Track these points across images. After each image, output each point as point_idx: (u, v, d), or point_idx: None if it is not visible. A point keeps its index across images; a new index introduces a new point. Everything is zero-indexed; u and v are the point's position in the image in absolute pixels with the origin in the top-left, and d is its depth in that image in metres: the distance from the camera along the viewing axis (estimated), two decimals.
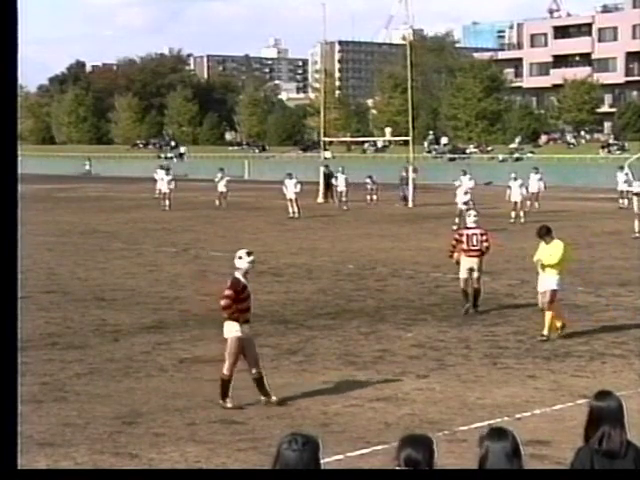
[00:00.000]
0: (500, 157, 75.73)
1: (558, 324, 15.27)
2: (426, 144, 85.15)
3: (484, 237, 17.82)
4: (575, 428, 6.26)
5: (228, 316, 11.44)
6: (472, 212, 18.77)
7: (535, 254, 15.73)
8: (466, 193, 34.89)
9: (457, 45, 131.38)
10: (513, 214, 36.10)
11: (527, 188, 36.83)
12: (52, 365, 13.50)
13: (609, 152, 74.44)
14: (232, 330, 11.43)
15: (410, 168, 46.08)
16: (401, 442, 4.93)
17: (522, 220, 35.25)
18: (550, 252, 15.48)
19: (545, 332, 15.04)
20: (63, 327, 16.29)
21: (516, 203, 36.13)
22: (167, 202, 42.67)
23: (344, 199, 43.78)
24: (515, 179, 36.71)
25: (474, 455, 5.23)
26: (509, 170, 42.70)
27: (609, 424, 5.66)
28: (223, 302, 11.48)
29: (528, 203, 39.54)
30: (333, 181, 44.82)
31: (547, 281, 15.34)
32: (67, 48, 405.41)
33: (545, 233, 15.80)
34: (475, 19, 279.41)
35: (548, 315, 15.16)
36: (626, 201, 39.99)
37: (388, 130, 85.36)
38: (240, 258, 11.58)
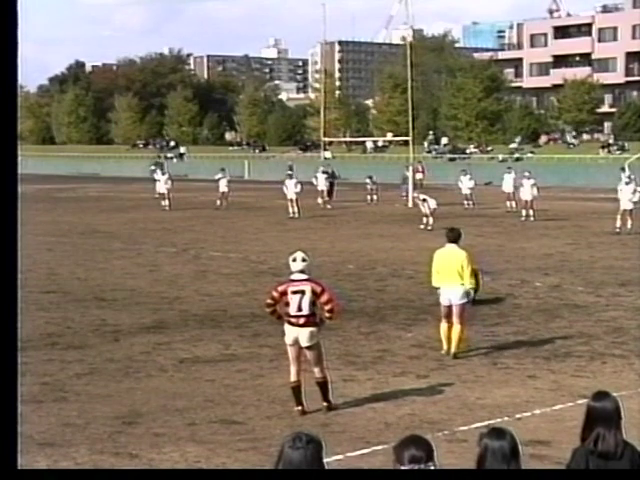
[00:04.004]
0: (500, 157, 75.71)
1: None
2: (426, 144, 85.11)
3: (477, 275, 18.12)
4: (575, 428, 6.26)
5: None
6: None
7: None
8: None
9: (457, 45, 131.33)
10: (523, 212, 36.15)
11: (538, 188, 36.84)
12: (52, 365, 13.50)
13: (609, 152, 74.41)
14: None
15: (411, 168, 46.10)
16: (400, 445, 4.91)
17: (532, 219, 35.34)
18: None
19: (452, 348, 13.96)
20: (63, 327, 16.29)
21: (527, 202, 36.16)
22: (167, 202, 42.69)
23: (326, 198, 44.03)
24: (528, 178, 36.68)
25: (474, 455, 5.24)
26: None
27: (604, 425, 5.67)
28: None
29: (508, 203, 39.74)
30: (313, 180, 44.95)
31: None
32: (67, 48, 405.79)
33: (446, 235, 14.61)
34: (475, 19, 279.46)
35: (457, 329, 14.03)
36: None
37: (389, 135, 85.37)
38: (303, 260, 11.24)
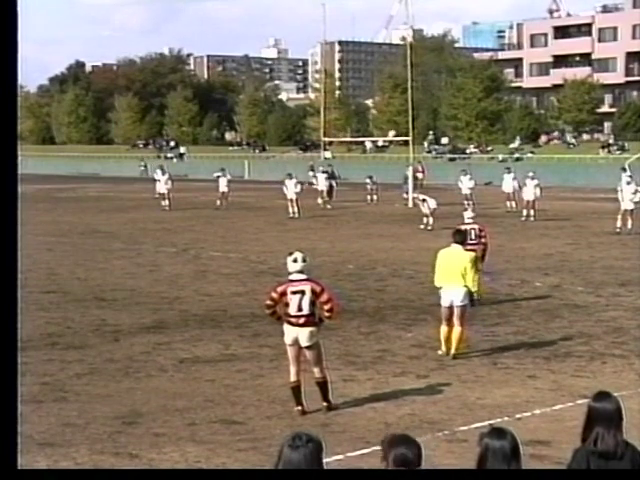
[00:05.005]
0: (500, 157, 75.72)
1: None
2: (426, 144, 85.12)
3: (482, 232, 18.16)
4: (575, 428, 6.26)
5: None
6: (469, 208, 18.94)
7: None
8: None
9: (457, 45, 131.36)
10: (525, 212, 36.18)
11: (541, 189, 36.89)
12: (52, 365, 13.50)
13: (609, 152, 74.42)
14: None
15: (411, 168, 46.11)
16: (389, 443, 4.90)
17: (532, 219, 35.40)
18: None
19: (451, 350, 13.89)
20: (63, 327, 16.29)
21: (528, 202, 36.21)
22: (167, 202, 42.68)
23: (326, 198, 44.05)
24: (532, 178, 36.71)
25: (474, 455, 5.24)
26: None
27: (603, 425, 5.67)
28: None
29: (508, 204, 39.85)
30: (313, 181, 44.98)
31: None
32: (67, 48, 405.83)
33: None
34: (475, 19, 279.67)
35: (457, 330, 13.93)
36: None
37: (392, 133, 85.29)
38: (304, 261, 11.25)
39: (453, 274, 13.93)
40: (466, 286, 13.95)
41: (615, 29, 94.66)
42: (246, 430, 10.53)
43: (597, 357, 13.94)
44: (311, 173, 42.89)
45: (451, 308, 13.98)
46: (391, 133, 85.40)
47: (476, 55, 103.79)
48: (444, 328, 14.06)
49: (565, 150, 78.13)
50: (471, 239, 17.42)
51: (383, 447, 4.89)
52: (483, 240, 18.26)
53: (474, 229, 17.98)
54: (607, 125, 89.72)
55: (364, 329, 16.05)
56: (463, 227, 17.55)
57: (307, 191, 42.43)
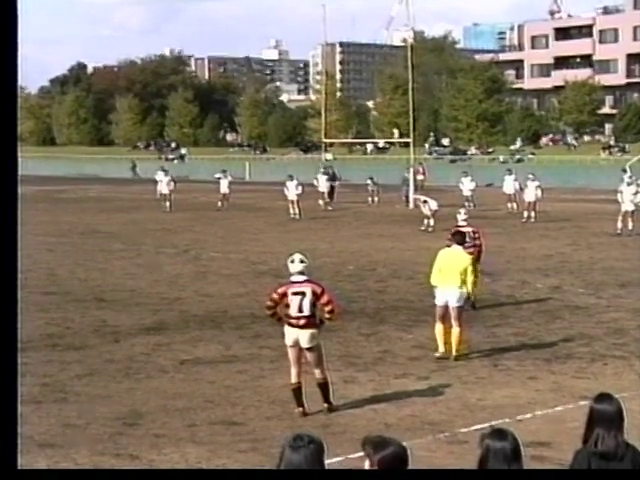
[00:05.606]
0: (501, 158, 75.74)
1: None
2: (427, 145, 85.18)
3: (476, 235, 18.04)
4: (576, 430, 6.25)
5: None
6: (462, 210, 18.87)
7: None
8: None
9: (458, 46, 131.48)
10: (525, 214, 36.20)
11: (542, 190, 36.93)
12: (52, 366, 13.49)
13: (610, 154, 74.51)
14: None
15: (412, 169, 46.09)
16: (375, 445, 4.87)
17: (533, 220, 35.42)
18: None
19: (452, 351, 13.89)
20: (63, 328, 16.27)
21: (529, 203, 36.24)
22: (168, 203, 42.59)
23: (327, 199, 44.02)
24: (533, 180, 36.74)
25: (475, 456, 5.23)
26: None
27: (604, 427, 5.67)
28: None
29: (509, 205, 39.92)
30: (314, 182, 45.03)
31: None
32: (68, 49, 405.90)
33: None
34: (476, 20, 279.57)
35: (455, 332, 13.94)
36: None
37: (396, 132, 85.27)
38: (302, 262, 11.23)
39: (451, 274, 13.94)
40: (461, 287, 13.95)
41: (616, 30, 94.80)
42: (246, 431, 10.52)
43: (598, 358, 13.93)
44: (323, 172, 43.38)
45: (446, 307, 13.99)
46: (395, 132, 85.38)
47: (477, 56, 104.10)
48: (439, 326, 14.08)
49: (566, 151, 78.20)
50: (465, 242, 17.37)
51: (367, 450, 4.86)
52: (477, 242, 18.15)
53: (468, 232, 17.85)
54: (608, 126, 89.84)
55: (365, 330, 16.04)
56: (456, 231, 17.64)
57: (308, 192, 42.41)
